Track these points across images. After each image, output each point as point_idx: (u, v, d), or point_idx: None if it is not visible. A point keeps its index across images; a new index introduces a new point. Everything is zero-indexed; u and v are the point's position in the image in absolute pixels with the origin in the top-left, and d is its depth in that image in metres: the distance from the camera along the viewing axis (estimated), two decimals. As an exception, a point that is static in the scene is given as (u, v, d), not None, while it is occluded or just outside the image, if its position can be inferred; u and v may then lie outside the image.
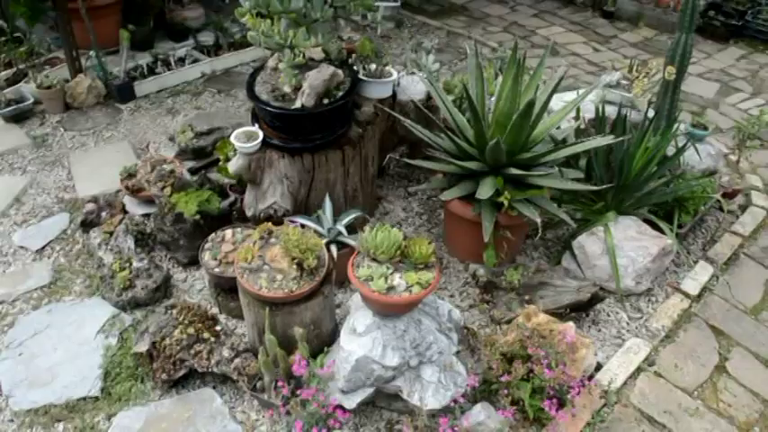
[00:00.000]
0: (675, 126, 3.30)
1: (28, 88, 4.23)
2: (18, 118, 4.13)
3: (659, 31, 5.92)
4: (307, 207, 2.98)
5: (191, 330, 2.39)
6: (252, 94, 2.80)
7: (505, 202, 2.61)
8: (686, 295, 2.89)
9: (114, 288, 2.73)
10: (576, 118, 3.25)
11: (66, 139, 3.99)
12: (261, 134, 2.77)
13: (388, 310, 2.19)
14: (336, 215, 2.99)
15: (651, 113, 3.34)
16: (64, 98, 4.26)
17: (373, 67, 3.11)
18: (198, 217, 2.91)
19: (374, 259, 2.19)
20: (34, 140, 3.95)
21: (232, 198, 3.06)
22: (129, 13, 4.90)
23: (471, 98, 2.53)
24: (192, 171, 3.51)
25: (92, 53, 4.33)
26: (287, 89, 2.60)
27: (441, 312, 2.38)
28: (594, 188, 2.72)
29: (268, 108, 2.69)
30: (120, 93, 4.35)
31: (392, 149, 3.76)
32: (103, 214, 3.16)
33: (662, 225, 2.99)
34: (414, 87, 3.35)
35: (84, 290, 2.86)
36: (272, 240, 2.40)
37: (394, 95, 3.32)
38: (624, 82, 3.40)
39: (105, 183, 3.48)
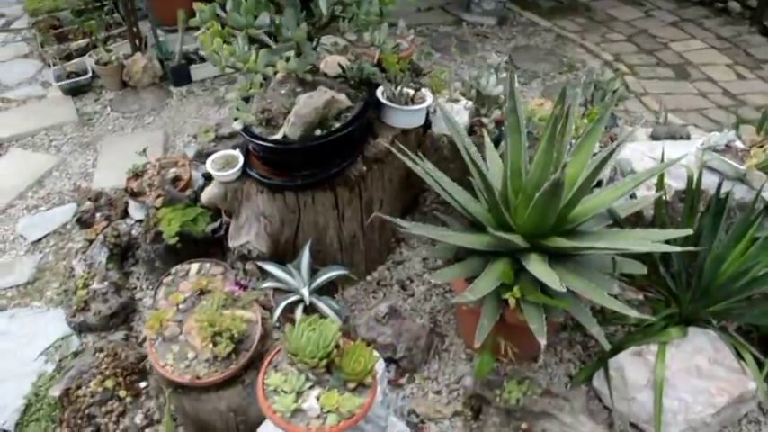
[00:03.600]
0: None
1: (90, 62, 4.21)
2: (75, 91, 4.13)
3: (838, 59, 4.55)
4: (295, 248, 2.54)
5: (108, 384, 2.10)
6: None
7: (512, 301, 1.96)
8: (764, 471, 2.05)
9: (72, 306, 2.53)
10: (659, 187, 2.42)
11: (110, 120, 3.91)
12: (240, 162, 2.36)
13: (296, 435, 1.70)
14: (325, 264, 2.53)
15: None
16: (121, 75, 4.18)
17: (402, 89, 2.55)
18: (176, 240, 2.60)
19: (294, 363, 1.70)
20: (81, 118, 3.91)
21: (217, 223, 2.70)
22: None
23: (482, 171, 1.87)
24: (207, 177, 3.22)
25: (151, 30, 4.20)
26: (237, 126, 2.14)
27: (387, 436, 1.84)
28: (648, 318, 1.92)
29: (246, 135, 2.26)
30: (174, 75, 4.18)
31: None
32: (98, 215, 2.97)
33: (746, 356, 2.13)
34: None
35: (55, 297, 2.70)
36: (204, 303, 1.99)
37: (429, 125, 2.74)
38: (739, 145, 2.48)
39: (122, 176, 3.30)
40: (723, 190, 2.37)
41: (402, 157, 2.28)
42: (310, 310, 2.30)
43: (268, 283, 2.36)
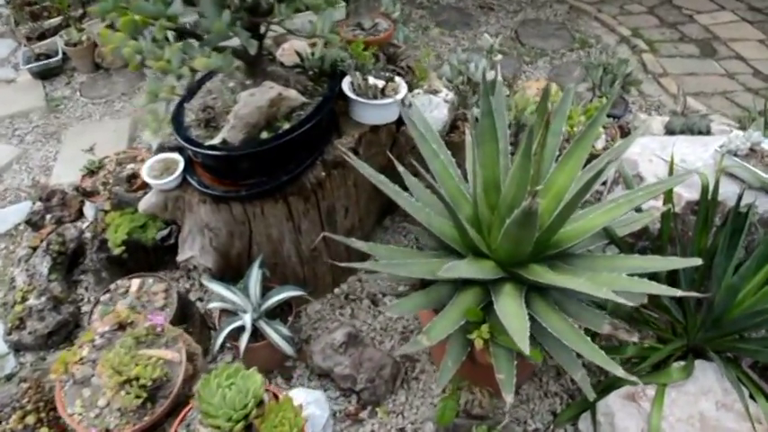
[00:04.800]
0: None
1: (62, 42, 3.93)
2: (45, 75, 3.87)
3: None
4: (250, 262, 2.26)
5: (30, 420, 1.87)
6: (177, 110, 2.09)
7: (478, 342, 1.66)
8: None
9: (8, 323, 2.32)
10: (667, 199, 2.06)
11: (79, 106, 3.65)
12: (180, 167, 2.08)
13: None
14: (285, 279, 2.28)
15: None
16: (93, 56, 3.90)
17: (370, 81, 2.22)
18: (121, 250, 2.35)
19: (206, 425, 1.45)
20: (49, 104, 3.66)
21: (166, 231, 2.43)
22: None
23: (438, 190, 1.55)
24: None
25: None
26: (147, 136, 1.85)
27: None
28: (635, 380, 1.57)
29: (181, 139, 1.97)
30: (148, 57, 3.87)
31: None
32: (48, 217, 2.73)
33: (760, 401, 1.81)
34: (429, 112, 2.38)
35: (-2, 309, 2.50)
36: (122, 340, 1.74)
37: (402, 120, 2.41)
38: (767, 147, 2.09)
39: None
40: (744, 202, 2.01)
41: (351, 160, 1.95)
42: (259, 335, 2.05)
43: (213, 304, 2.11)
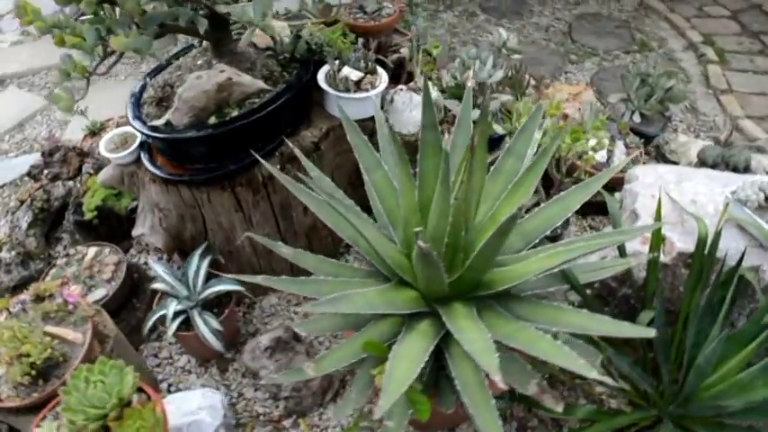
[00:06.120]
0: None
1: (107, -2, 4.01)
2: (88, 29, 3.97)
3: None
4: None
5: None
6: (142, 86, 2.04)
7: (378, 380, 1.50)
8: None
9: (-20, 272, 2.41)
10: (654, 245, 1.76)
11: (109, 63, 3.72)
12: (137, 142, 2.04)
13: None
14: (241, 268, 2.21)
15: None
16: (134, 15, 3.96)
17: (343, 72, 2.06)
18: (93, 215, 2.38)
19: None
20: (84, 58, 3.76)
21: (135, 202, 2.42)
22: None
23: (353, 222, 1.38)
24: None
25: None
26: (60, 114, 1.78)
27: None
28: None
29: (129, 116, 1.92)
30: (183, 20, 3.88)
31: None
32: (46, 171, 2.81)
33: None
34: (409, 112, 2.19)
35: (-15, 255, 2.61)
36: (22, 314, 1.73)
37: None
38: (786, 201, 1.73)
39: (94, 129, 3.12)
40: (748, 263, 1.69)
41: (261, 160, 1.79)
42: (190, 325, 1.99)
43: (156, 285, 2.07)
